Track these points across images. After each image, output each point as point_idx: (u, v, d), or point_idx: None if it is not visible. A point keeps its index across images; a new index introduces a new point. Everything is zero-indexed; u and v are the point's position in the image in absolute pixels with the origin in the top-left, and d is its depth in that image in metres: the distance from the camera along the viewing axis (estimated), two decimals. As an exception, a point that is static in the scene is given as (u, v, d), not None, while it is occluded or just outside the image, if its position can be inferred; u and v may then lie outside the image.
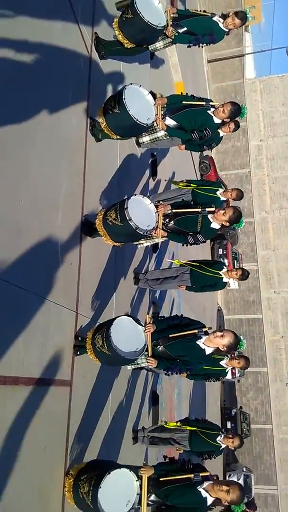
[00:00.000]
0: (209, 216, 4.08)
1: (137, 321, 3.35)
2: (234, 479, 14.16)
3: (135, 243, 4.55)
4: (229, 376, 5.43)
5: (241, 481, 14.12)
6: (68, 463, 3.16)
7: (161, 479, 3.19)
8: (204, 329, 3.42)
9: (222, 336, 3.32)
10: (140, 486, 3.00)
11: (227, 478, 14.15)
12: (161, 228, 3.76)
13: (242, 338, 4.00)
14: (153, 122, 3.76)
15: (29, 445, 2.69)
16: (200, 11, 4.19)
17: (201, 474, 3.22)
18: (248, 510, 11.15)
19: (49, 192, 3.30)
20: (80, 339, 3.43)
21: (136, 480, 2.90)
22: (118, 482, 2.76)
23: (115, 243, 3.64)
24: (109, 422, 4.09)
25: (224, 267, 4.89)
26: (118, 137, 3.82)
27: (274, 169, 20.43)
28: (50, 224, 3.27)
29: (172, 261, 5.41)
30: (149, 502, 3.15)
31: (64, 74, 3.76)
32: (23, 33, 3.03)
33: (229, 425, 15.22)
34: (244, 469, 14.99)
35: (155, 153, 7.19)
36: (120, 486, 2.79)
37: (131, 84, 3.70)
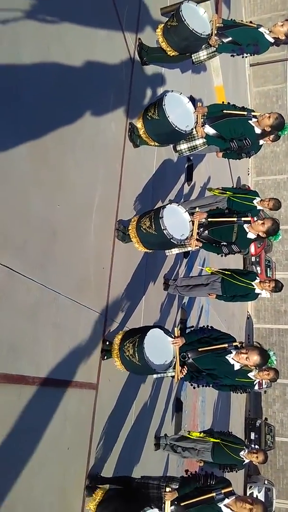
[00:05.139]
0: (245, 225, 4.01)
1: (168, 332, 3.35)
2: (255, 491, 13.87)
3: (166, 251, 4.54)
4: (255, 387, 5.32)
5: (262, 494, 13.81)
6: (90, 465, 3.20)
7: (182, 504, 3.14)
8: (234, 344, 3.37)
9: (247, 358, 3.29)
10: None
11: (247, 490, 13.88)
12: (195, 237, 3.72)
13: (272, 354, 3.91)
14: (192, 129, 3.74)
15: (54, 445, 2.74)
16: (246, 22, 4.14)
17: (223, 491, 3.16)
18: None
19: (86, 197, 3.35)
20: (107, 343, 3.47)
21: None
22: None
23: (147, 250, 3.64)
24: (132, 426, 4.10)
25: (257, 277, 4.79)
26: (156, 144, 3.83)
27: (314, 176, 19.84)
28: (85, 229, 3.32)
29: (203, 268, 5.36)
30: None
31: (106, 79, 3.81)
32: (69, 38, 3.09)
33: (252, 436, 14.92)
34: (266, 482, 14.62)
35: (191, 158, 7.15)
36: None
37: (172, 91, 3.70)
